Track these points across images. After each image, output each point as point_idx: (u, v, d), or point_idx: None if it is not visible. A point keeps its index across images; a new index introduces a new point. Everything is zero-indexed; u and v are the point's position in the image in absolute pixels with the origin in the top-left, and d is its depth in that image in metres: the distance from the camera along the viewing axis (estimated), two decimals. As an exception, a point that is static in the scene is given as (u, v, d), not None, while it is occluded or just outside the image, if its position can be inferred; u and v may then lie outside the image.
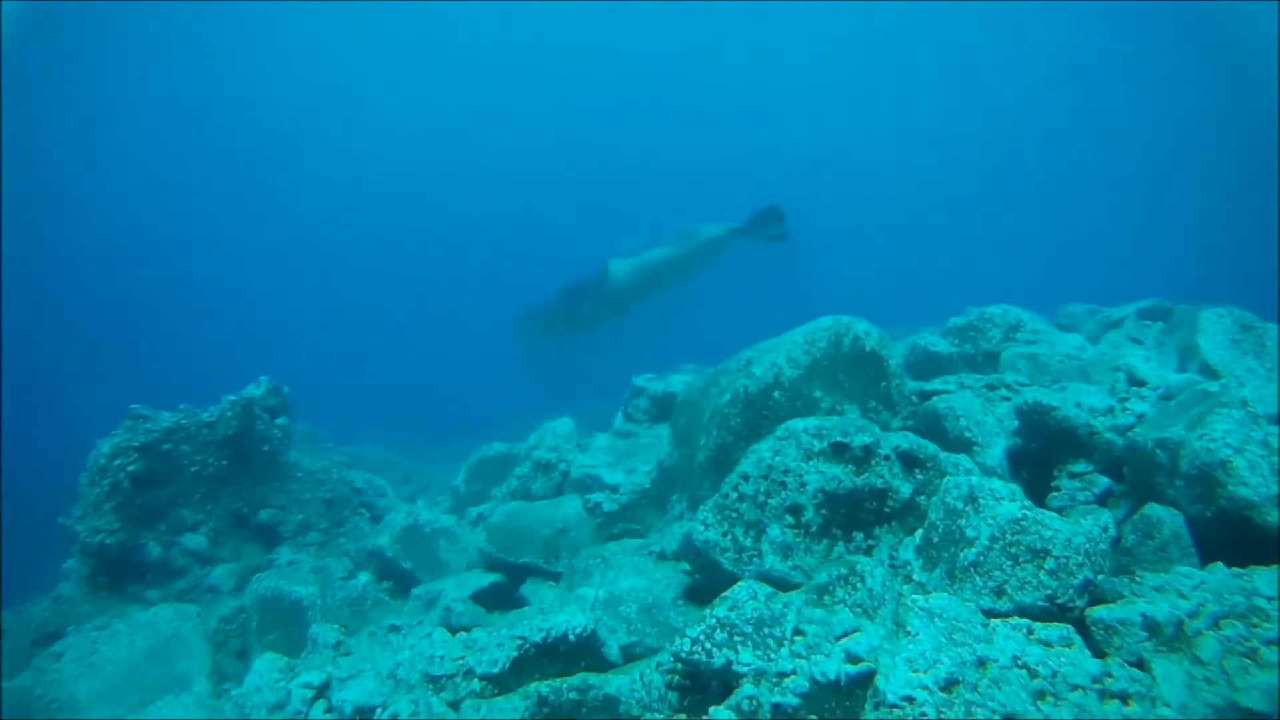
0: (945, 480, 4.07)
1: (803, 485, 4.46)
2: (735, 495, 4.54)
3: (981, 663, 2.99)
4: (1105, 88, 38.44)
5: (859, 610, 3.57)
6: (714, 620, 3.49)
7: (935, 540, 3.91)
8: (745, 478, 4.56)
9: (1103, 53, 37.00)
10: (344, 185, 42.56)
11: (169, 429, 7.45)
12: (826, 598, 3.66)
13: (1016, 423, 5.38)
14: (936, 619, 3.25)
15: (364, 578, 6.96)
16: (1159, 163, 37.00)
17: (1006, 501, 3.73)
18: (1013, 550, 3.57)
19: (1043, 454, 5.26)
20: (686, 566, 5.00)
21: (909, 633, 3.21)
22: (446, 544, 7.19)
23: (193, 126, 39.41)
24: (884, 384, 5.77)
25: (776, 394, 5.36)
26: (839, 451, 4.55)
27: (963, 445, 5.34)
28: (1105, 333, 8.63)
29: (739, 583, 3.72)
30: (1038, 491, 5.08)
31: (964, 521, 3.78)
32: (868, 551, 4.41)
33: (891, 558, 4.34)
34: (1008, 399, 5.85)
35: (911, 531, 4.43)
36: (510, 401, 17.50)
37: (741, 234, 12.14)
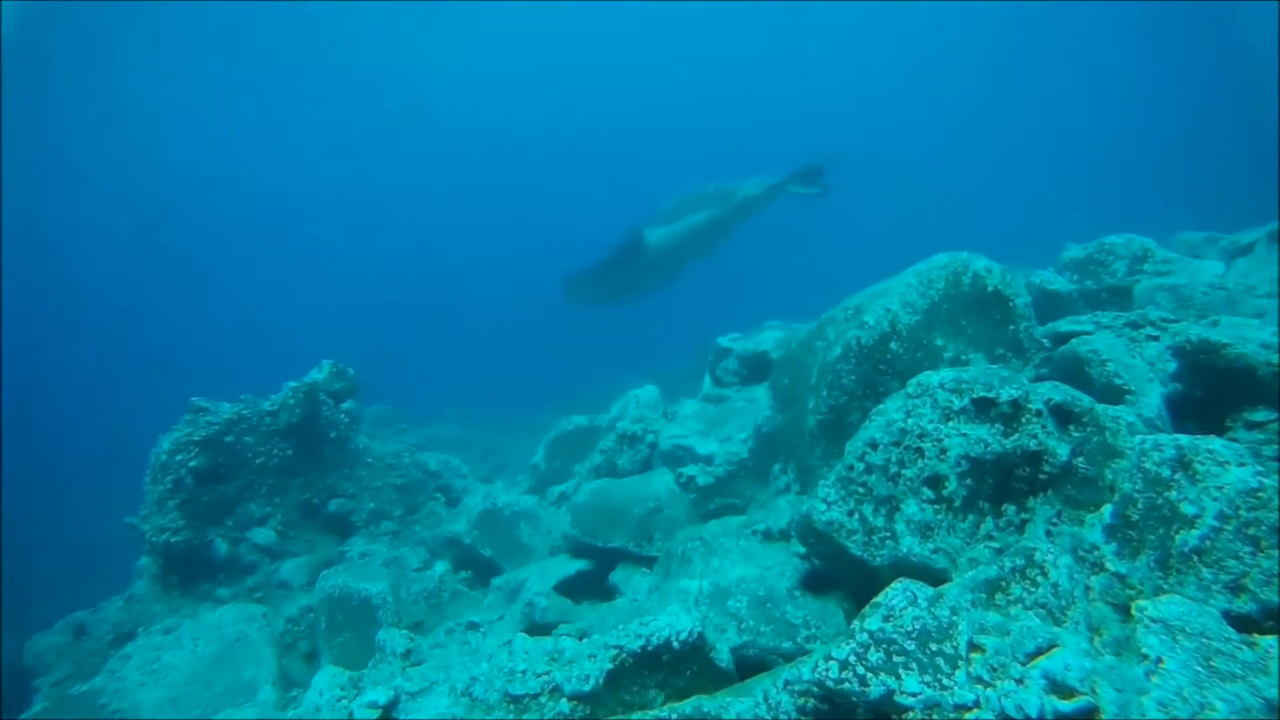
0: (1143, 441, 3.15)
1: (943, 451, 3.57)
2: (862, 467, 3.67)
3: (1274, 709, 2.07)
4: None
5: (1043, 613, 2.69)
6: (866, 636, 2.61)
7: (1134, 519, 3.00)
8: (873, 445, 3.68)
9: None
10: (406, 158, 42.35)
11: (230, 420, 6.80)
12: (1000, 596, 2.80)
13: (1174, 365, 4.41)
14: (1180, 635, 2.33)
15: (441, 567, 6.26)
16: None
17: (1234, 466, 2.79)
18: (1250, 531, 2.64)
19: (1209, 401, 4.27)
20: (800, 549, 4.17)
21: (1147, 657, 2.30)
22: (528, 527, 6.44)
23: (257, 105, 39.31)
24: (1011, 327, 4.83)
25: (894, 344, 4.46)
26: (983, 408, 3.64)
27: (1112, 394, 4.38)
28: (1233, 260, 7.55)
29: (893, 585, 2.82)
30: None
31: (1175, 494, 2.86)
32: (1020, 527, 3.51)
33: (1049, 533, 3.45)
34: (1155, 338, 4.86)
35: (1071, 502, 3.53)
36: (586, 369, 16.83)
37: (781, 189, 11.18)
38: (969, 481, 3.55)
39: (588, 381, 15.12)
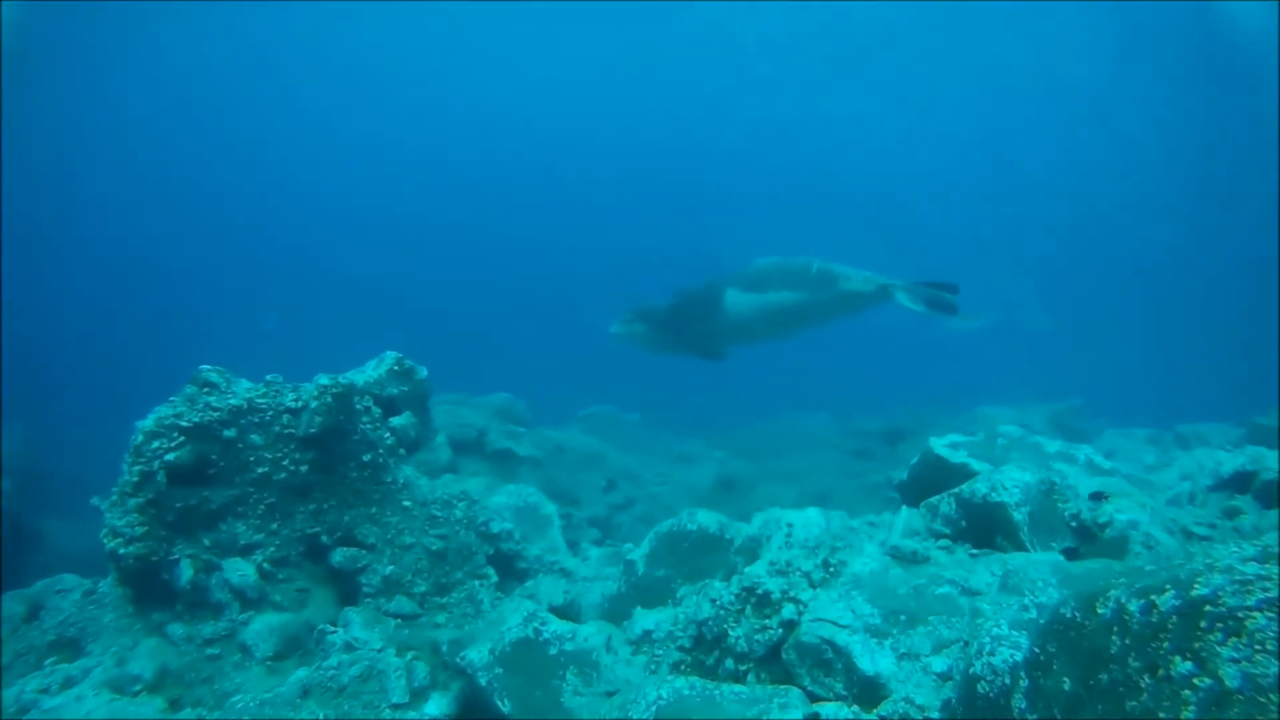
0: None
1: None
2: None
3: None
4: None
5: None
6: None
7: None
8: None
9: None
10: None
11: (237, 409, 4.62)
12: None
13: None
14: None
15: (432, 712, 3.87)
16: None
17: None
18: None
19: None
20: None
21: None
22: (578, 680, 3.96)
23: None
24: None
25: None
26: None
27: None
28: None
29: None
30: None
31: None
32: None
33: None
34: None
35: None
36: (755, 395, 14.27)
37: (891, 294, 8.26)
38: None
39: (753, 412, 12.52)
